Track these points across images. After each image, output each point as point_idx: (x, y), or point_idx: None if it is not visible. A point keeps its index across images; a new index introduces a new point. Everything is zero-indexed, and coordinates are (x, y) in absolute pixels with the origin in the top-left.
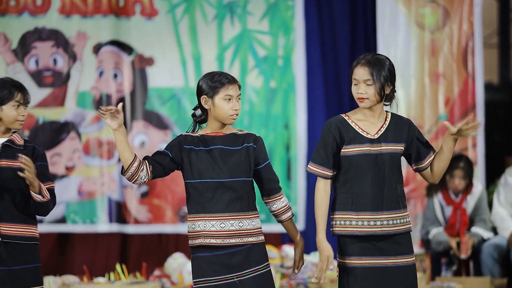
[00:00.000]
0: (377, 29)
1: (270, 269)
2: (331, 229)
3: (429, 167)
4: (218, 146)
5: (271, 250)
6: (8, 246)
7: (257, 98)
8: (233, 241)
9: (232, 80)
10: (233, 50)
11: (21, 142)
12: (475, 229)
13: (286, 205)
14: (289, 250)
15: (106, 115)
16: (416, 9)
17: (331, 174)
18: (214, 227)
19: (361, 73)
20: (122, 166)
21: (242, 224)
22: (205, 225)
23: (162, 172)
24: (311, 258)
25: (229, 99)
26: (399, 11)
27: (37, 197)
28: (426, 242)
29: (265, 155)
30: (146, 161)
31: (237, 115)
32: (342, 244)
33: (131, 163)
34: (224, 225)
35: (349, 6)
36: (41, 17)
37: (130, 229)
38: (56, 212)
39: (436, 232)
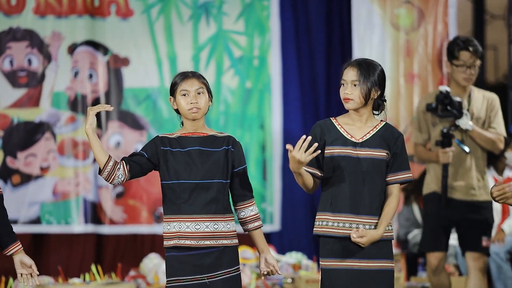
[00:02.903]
0: (353, 30)
1: (240, 273)
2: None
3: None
4: (196, 147)
5: (246, 251)
6: None
7: (232, 98)
8: (207, 242)
9: (187, 76)
10: (209, 50)
11: None
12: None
13: (255, 214)
14: None
15: (95, 111)
16: (391, 10)
17: (320, 174)
18: (189, 229)
19: (349, 74)
20: (99, 167)
21: (217, 226)
22: (180, 226)
23: (140, 171)
24: (286, 259)
25: (185, 94)
26: (374, 11)
27: None
28: (403, 242)
29: (242, 160)
30: (123, 161)
31: (197, 108)
32: (322, 246)
33: (107, 162)
34: (199, 226)
35: (324, 6)
36: (16, 17)
37: (105, 229)
38: (31, 212)
39: (415, 235)
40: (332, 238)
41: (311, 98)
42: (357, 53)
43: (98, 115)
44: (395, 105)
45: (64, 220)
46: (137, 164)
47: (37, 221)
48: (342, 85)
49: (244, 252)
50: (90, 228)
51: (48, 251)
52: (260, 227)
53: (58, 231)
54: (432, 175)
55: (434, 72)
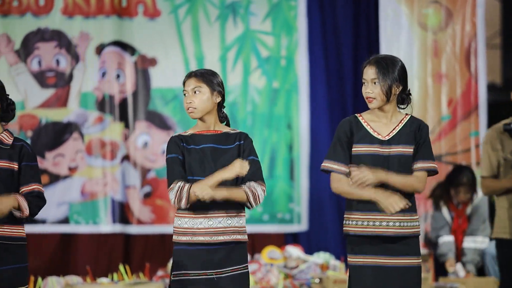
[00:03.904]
0: (380, 30)
1: (248, 270)
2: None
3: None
4: (210, 144)
5: (274, 251)
6: None
7: (260, 98)
8: (221, 238)
9: (188, 76)
10: (236, 50)
11: (10, 141)
12: (470, 245)
13: (255, 188)
14: (292, 250)
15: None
16: (419, 10)
17: (347, 170)
18: (202, 225)
19: (369, 72)
20: (182, 199)
21: (230, 221)
22: (193, 223)
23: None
24: (314, 259)
25: (185, 94)
26: (402, 11)
27: (16, 213)
28: (432, 244)
29: (250, 151)
30: (185, 182)
31: (193, 108)
32: (351, 243)
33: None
34: (212, 222)
35: (352, 6)
36: (44, 17)
37: (133, 229)
38: (59, 212)
39: (443, 242)
40: (363, 237)
41: (338, 98)
42: (384, 52)
43: (125, 115)
44: (423, 105)
45: (92, 220)
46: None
47: (65, 221)
48: (363, 84)
49: (272, 252)
50: (118, 228)
51: (77, 251)
52: (246, 198)
53: (86, 231)
54: (502, 217)
55: (462, 72)
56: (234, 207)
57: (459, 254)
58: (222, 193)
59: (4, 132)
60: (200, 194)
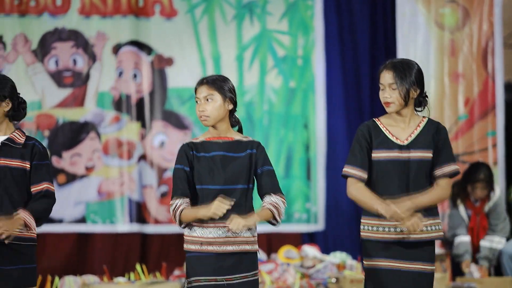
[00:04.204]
0: (397, 29)
1: (258, 278)
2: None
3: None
4: (220, 152)
5: (291, 250)
6: (4, 246)
7: (276, 98)
8: (229, 248)
9: (200, 83)
10: (253, 50)
11: (22, 140)
12: (486, 243)
13: (277, 203)
14: (308, 250)
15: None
16: (436, 9)
17: (365, 176)
18: (212, 234)
19: (386, 77)
20: (176, 219)
21: (239, 232)
22: (202, 232)
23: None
24: (331, 258)
25: (197, 102)
26: (419, 11)
27: (24, 231)
28: (449, 244)
29: (266, 160)
30: (186, 200)
31: (206, 116)
32: (367, 247)
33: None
34: (221, 232)
35: (368, 5)
36: (61, 17)
37: (150, 229)
38: (76, 212)
39: (460, 242)
40: (377, 242)
41: (355, 98)
42: (401, 52)
43: (142, 114)
44: (439, 104)
45: (109, 220)
46: (190, 187)
47: (82, 220)
48: (380, 89)
49: (288, 251)
50: (135, 228)
51: (93, 250)
52: (270, 213)
53: (103, 231)
54: None
55: (479, 71)
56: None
57: (475, 251)
58: (253, 219)
59: (16, 131)
60: (234, 227)
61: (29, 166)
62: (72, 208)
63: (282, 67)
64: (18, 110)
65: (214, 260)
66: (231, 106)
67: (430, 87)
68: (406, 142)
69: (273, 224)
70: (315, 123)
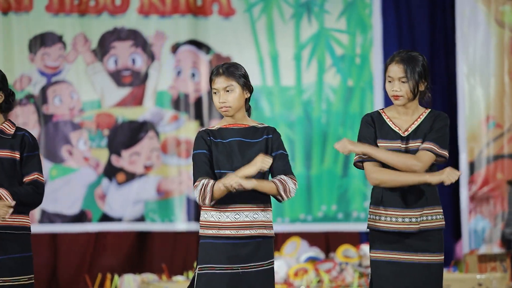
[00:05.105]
0: (456, 27)
1: (273, 266)
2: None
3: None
4: (237, 138)
5: (349, 249)
6: None
7: (334, 96)
8: (247, 232)
9: (217, 73)
10: (311, 49)
11: (12, 131)
12: None
13: (285, 180)
14: (367, 249)
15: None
16: (496, 7)
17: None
18: (229, 218)
19: (395, 70)
20: (206, 196)
21: (256, 216)
22: (219, 216)
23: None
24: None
25: (216, 93)
26: (479, 9)
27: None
28: (508, 242)
29: (279, 146)
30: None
31: (228, 107)
32: (373, 238)
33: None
34: (238, 216)
35: (427, 3)
36: (120, 17)
37: None
38: (135, 210)
39: None
40: (384, 232)
41: None
42: (461, 50)
43: (200, 113)
44: (499, 103)
45: (167, 218)
46: (212, 170)
47: (141, 219)
48: (388, 82)
49: (347, 251)
50: (193, 226)
51: (152, 249)
52: (271, 181)
53: (162, 229)
54: None
55: None
56: (261, 201)
57: None
58: (252, 182)
59: (5, 122)
60: (229, 183)
61: (19, 156)
62: (131, 207)
63: (340, 66)
64: (8, 102)
65: (230, 248)
66: (248, 94)
67: (490, 85)
68: (406, 133)
69: (278, 200)
70: None
